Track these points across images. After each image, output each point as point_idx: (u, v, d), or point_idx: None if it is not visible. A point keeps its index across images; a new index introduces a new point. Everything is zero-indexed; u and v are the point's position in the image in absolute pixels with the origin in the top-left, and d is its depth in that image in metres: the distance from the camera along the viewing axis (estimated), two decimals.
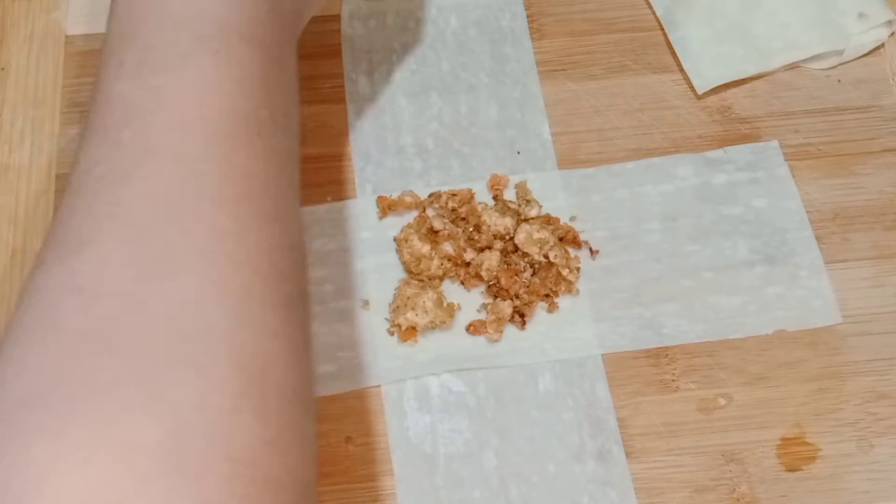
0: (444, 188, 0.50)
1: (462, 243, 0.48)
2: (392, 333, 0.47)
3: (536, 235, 0.48)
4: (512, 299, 0.47)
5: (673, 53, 0.54)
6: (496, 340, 0.47)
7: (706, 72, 0.53)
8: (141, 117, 0.32)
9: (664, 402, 0.46)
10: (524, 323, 0.47)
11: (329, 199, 0.50)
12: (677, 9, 0.55)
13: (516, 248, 0.48)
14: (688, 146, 0.52)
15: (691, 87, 0.53)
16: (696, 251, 0.49)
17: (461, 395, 0.46)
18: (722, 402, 0.46)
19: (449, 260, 0.48)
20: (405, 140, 0.52)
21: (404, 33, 0.55)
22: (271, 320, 0.30)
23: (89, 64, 0.53)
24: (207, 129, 0.31)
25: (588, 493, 0.43)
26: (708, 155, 0.51)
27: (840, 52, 0.54)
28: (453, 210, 0.49)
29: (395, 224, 0.49)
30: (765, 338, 0.47)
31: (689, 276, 0.48)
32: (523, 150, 0.51)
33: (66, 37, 0.54)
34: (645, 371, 0.46)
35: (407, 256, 0.48)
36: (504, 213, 0.48)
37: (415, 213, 0.49)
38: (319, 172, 0.51)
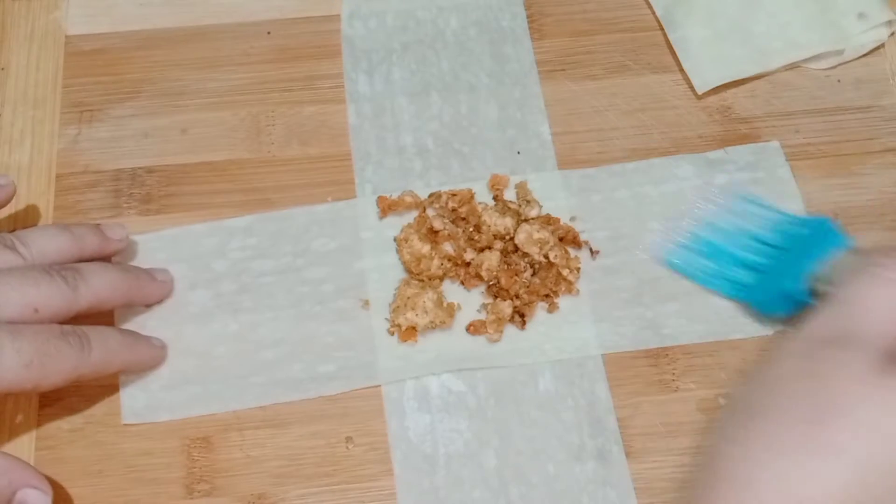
0: (444, 188, 0.50)
1: (462, 243, 0.48)
2: (392, 333, 0.47)
3: (536, 235, 0.48)
4: (512, 299, 0.47)
5: (673, 53, 0.54)
6: (496, 340, 0.47)
7: (706, 72, 0.53)
8: None
9: (664, 402, 0.46)
10: (524, 323, 0.47)
11: (329, 199, 0.50)
12: (677, 8, 0.55)
13: (516, 248, 0.48)
14: (688, 146, 0.52)
15: (691, 87, 0.53)
16: None
17: (461, 395, 0.46)
18: (722, 402, 0.45)
19: (449, 260, 0.48)
20: (405, 140, 0.52)
21: (404, 33, 0.55)
22: None
23: (89, 64, 0.53)
24: None
25: (588, 494, 0.43)
26: (709, 155, 0.51)
27: (840, 52, 0.54)
28: (453, 210, 0.49)
29: (395, 224, 0.49)
30: (765, 338, 0.47)
31: None
32: (523, 150, 0.51)
33: (66, 37, 0.54)
34: (645, 371, 0.46)
35: (407, 256, 0.48)
36: (504, 213, 0.48)
37: (415, 213, 0.49)
38: (319, 172, 0.51)
